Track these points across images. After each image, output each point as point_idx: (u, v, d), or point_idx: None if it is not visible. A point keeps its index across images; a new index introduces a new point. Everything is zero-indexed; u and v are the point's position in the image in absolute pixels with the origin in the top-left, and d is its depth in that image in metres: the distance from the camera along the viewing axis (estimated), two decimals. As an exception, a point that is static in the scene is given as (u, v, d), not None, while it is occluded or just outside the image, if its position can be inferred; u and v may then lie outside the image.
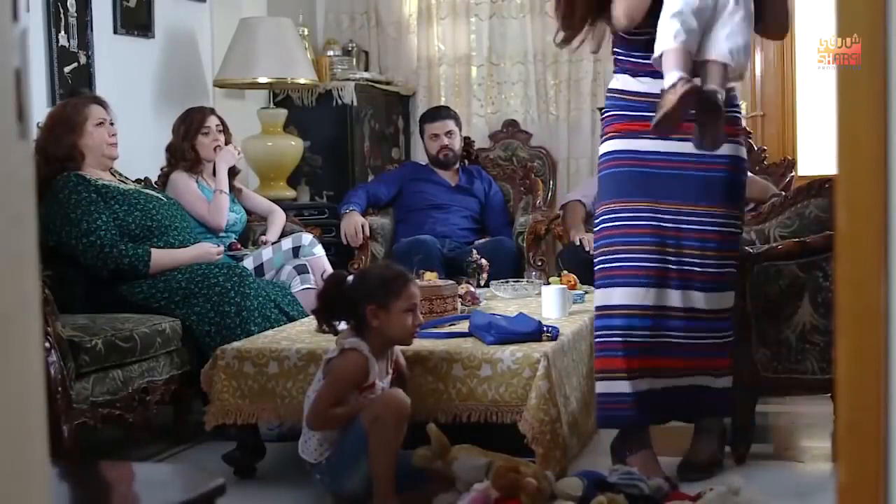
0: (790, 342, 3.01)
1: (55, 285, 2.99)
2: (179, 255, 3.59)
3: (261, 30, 4.75)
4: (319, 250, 4.06)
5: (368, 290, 2.63)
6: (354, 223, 4.61)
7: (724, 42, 2.62)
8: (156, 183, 4.14)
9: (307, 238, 4.06)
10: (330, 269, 4.02)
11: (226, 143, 4.16)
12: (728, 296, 2.85)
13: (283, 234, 4.20)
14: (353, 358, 2.59)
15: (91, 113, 3.59)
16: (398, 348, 2.74)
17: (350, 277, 2.70)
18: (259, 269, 3.94)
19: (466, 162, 5.13)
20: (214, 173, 4.14)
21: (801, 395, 3.19)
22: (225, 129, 4.20)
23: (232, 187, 4.20)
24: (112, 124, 3.66)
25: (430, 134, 4.92)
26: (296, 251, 4.03)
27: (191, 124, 4.11)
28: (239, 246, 4.10)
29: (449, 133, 4.88)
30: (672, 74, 2.56)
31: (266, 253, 4.00)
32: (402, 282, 2.66)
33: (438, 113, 5.01)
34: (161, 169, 4.19)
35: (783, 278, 3.00)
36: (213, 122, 4.14)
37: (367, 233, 4.63)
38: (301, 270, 3.92)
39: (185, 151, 4.08)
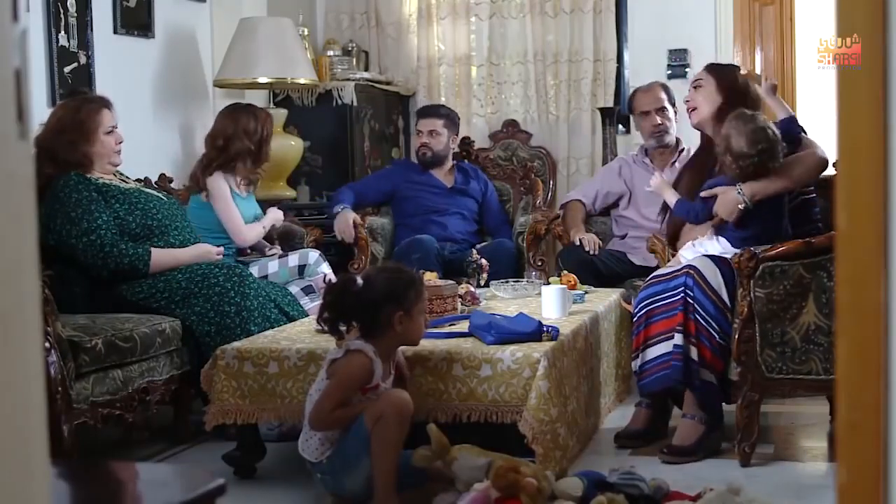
0: (795, 343, 3.01)
1: (55, 285, 2.99)
2: (180, 254, 3.59)
3: (261, 30, 4.75)
4: (325, 268, 4.01)
5: (395, 296, 2.60)
6: (345, 219, 4.59)
7: None
8: (188, 184, 4.17)
9: (313, 256, 4.01)
10: (333, 277, 4.00)
11: None
12: None
13: (291, 249, 4.18)
14: (358, 360, 2.59)
15: (103, 120, 3.57)
16: (399, 348, 2.74)
17: (359, 280, 2.67)
18: (263, 280, 3.92)
19: (466, 161, 5.12)
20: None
21: (805, 395, 3.17)
22: None
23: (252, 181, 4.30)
24: (116, 127, 3.65)
25: (416, 130, 4.92)
26: (301, 269, 3.99)
27: (265, 127, 4.14)
28: (247, 252, 4.11)
29: (431, 132, 4.81)
30: None
31: (272, 266, 3.98)
32: (421, 284, 2.67)
33: (427, 110, 4.95)
34: (201, 161, 4.15)
35: (788, 279, 3.00)
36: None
37: (362, 224, 4.60)
38: (308, 291, 3.90)
39: (260, 155, 4.12)
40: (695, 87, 3.55)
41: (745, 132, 3.17)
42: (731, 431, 3.16)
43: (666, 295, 3.17)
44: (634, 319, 3.27)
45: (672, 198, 3.51)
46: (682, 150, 4.45)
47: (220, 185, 4.04)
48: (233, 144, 4.08)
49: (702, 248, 3.29)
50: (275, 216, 4.25)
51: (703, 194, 3.31)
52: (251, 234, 4.08)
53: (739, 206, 3.20)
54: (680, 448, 3.10)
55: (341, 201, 4.67)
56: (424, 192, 4.81)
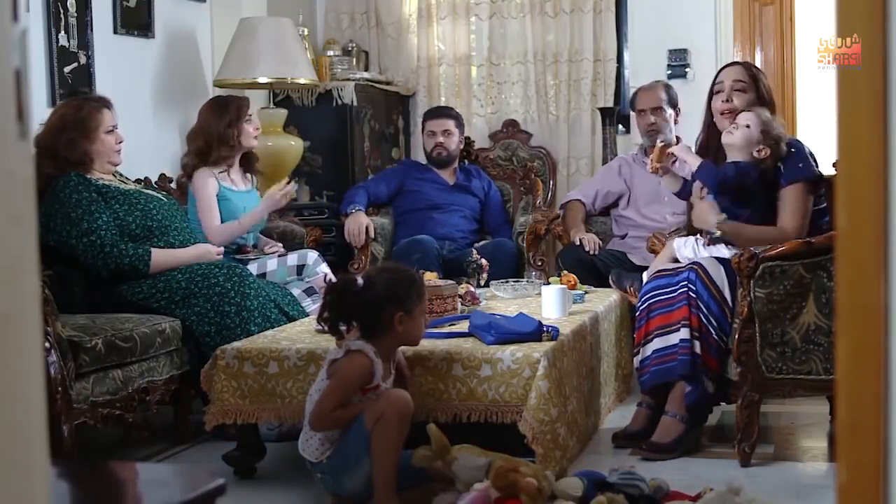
0: (795, 343, 3.01)
1: (55, 285, 2.99)
2: (180, 254, 3.59)
3: (261, 30, 4.75)
4: (324, 268, 3.99)
5: (396, 296, 2.60)
6: (359, 223, 4.60)
7: None
8: (179, 178, 4.16)
9: (312, 257, 3.99)
10: (333, 278, 3.99)
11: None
12: None
13: (291, 249, 4.17)
14: (359, 360, 2.59)
15: (104, 119, 3.58)
16: (399, 348, 2.74)
17: (360, 280, 2.66)
18: (262, 278, 3.91)
19: (466, 161, 5.13)
20: (241, 166, 4.19)
21: (805, 395, 3.17)
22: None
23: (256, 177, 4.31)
24: (116, 127, 3.65)
25: (427, 131, 4.94)
26: (300, 269, 3.98)
27: (234, 111, 4.10)
28: (249, 249, 4.10)
29: (445, 132, 4.87)
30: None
31: (271, 264, 3.97)
32: (421, 285, 2.67)
33: (439, 111, 5.03)
34: (184, 158, 4.16)
35: (788, 279, 3.00)
36: (253, 109, 4.20)
37: (372, 234, 4.63)
38: (310, 292, 3.89)
39: (228, 138, 4.06)
40: (741, 91, 3.40)
41: (773, 118, 3.31)
42: (731, 431, 3.15)
43: (669, 289, 3.18)
44: (637, 314, 3.28)
45: (695, 161, 3.37)
46: (682, 148, 4.45)
47: (201, 181, 4.04)
48: (198, 139, 4.10)
49: (699, 250, 3.30)
50: (271, 201, 4.11)
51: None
52: (222, 236, 3.97)
53: (713, 226, 3.26)
54: (658, 445, 3.12)
55: (354, 202, 4.68)
56: (427, 186, 4.83)
